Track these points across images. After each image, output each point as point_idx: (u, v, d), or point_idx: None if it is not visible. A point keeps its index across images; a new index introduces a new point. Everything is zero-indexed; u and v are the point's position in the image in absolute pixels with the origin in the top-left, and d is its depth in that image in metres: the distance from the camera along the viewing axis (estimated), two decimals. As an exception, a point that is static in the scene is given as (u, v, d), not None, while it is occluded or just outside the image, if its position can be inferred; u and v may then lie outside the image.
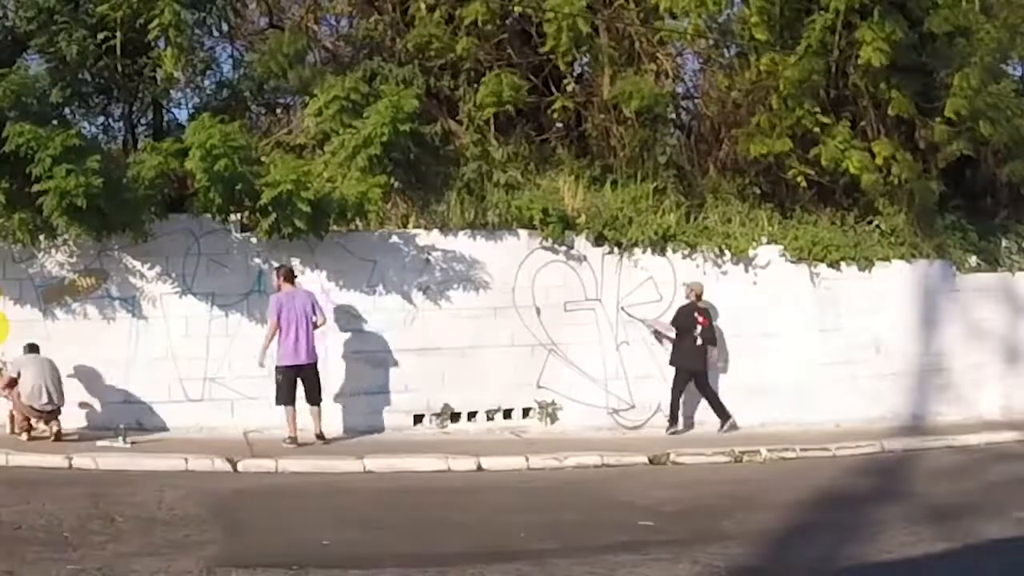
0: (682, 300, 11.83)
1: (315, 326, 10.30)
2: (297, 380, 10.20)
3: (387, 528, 7.19)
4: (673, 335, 11.74)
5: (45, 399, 9.66)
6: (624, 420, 11.78)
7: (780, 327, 12.17)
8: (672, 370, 11.68)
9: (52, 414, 9.76)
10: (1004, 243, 13.90)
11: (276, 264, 10.62)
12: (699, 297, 11.75)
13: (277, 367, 10.18)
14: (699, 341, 11.59)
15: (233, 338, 10.75)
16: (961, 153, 12.90)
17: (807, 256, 12.46)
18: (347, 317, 11.03)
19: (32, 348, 9.91)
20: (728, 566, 6.16)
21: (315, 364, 10.33)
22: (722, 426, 11.57)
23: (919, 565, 6.36)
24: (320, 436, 10.28)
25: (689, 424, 11.79)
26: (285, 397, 10.17)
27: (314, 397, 10.33)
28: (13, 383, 9.67)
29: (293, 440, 10.05)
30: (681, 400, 11.63)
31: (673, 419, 11.60)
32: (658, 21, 12.95)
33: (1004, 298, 13.42)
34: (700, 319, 11.64)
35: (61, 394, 9.83)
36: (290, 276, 10.42)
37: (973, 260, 13.50)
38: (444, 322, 11.19)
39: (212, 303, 10.75)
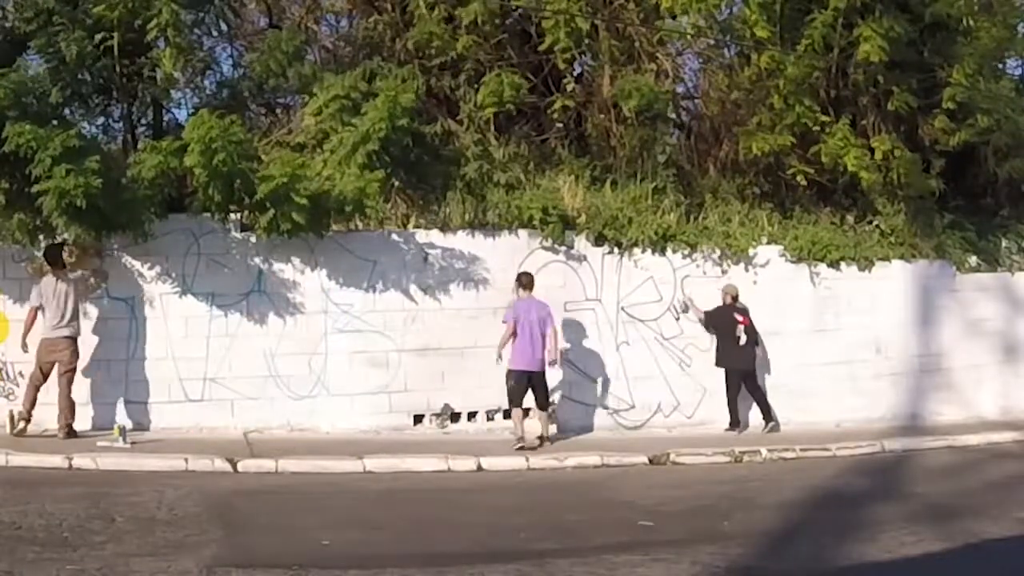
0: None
1: (545, 344, 10.54)
2: (529, 385, 10.51)
3: (387, 528, 7.18)
4: (700, 316, 11.88)
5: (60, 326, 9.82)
6: (624, 420, 11.78)
7: (780, 327, 12.18)
8: (717, 371, 11.84)
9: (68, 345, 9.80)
10: (1004, 243, 13.92)
11: (522, 271, 11.00)
12: (735, 299, 11.84)
13: (509, 370, 10.51)
14: (742, 340, 11.69)
15: (233, 338, 10.74)
16: (962, 148, 12.94)
17: (807, 256, 12.47)
18: (347, 317, 11.03)
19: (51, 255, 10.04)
20: (728, 566, 6.15)
21: (544, 372, 10.63)
22: (765, 427, 11.67)
23: (919, 565, 6.35)
24: (543, 438, 10.56)
25: (745, 424, 11.87)
26: (516, 400, 10.53)
27: (543, 402, 10.66)
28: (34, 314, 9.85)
29: (521, 440, 10.32)
30: (738, 401, 11.74)
31: (734, 422, 11.73)
32: (658, 21, 12.96)
33: (1004, 298, 13.43)
34: (740, 319, 11.74)
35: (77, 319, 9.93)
36: (529, 283, 10.75)
37: (973, 260, 13.53)
38: (444, 322, 11.19)
39: (212, 303, 10.74)
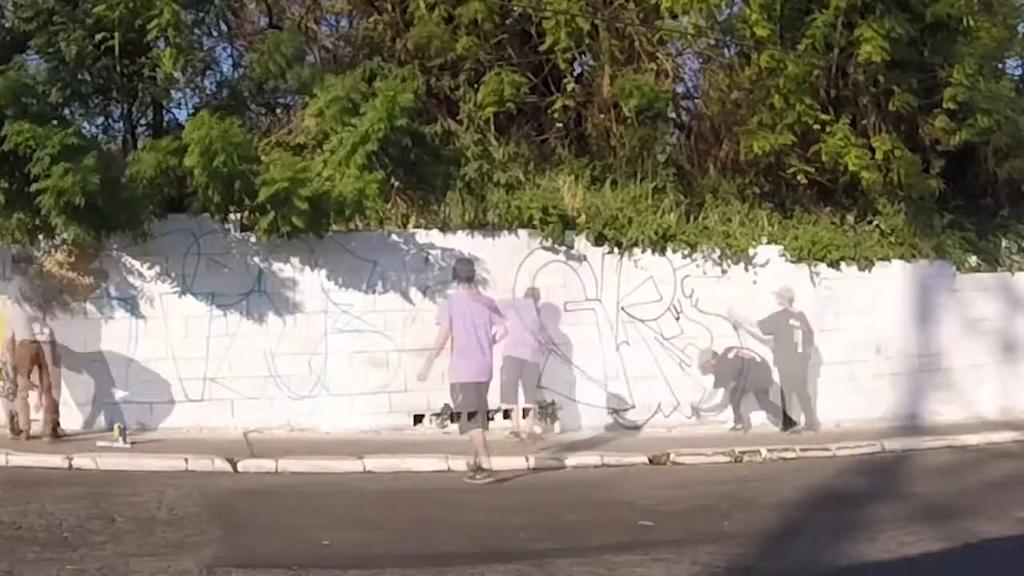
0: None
1: (493, 339, 8.97)
2: (478, 397, 8.83)
3: (387, 528, 7.18)
4: (753, 327, 11.93)
5: (37, 328, 9.70)
6: (624, 420, 11.79)
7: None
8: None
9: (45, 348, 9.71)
10: (1004, 243, 13.93)
11: (459, 258, 9.73)
12: (791, 303, 11.89)
13: (453, 384, 8.78)
14: (800, 348, 11.77)
15: (233, 338, 10.75)
16: (962, 148, 12.94)
17: (807, 256, 12.49)
18: (347, 317, 11.02)
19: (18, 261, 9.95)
20: (728, 566, 6.15)
21: (489, 383, 9.08)
22: (783, 430, 11.84)
23: (919, 565, 6.35)
24: (478, 467, 8.69)
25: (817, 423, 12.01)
26: (472, 421, 8.74)
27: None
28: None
29: (480, 469, 8.69)
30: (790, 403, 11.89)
31: (787, 422, 11.85)
32: (658, 20, 12.96)
33: (1004, 298, 13.44)
34: (797, 325, 11.83)
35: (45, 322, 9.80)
36: (467, 274, 9.07)
37: (973, 260, 13.55)
38: (444, 322, 11.18)
39: (212, 303, 10.75)
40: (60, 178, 9.17)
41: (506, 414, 11.31)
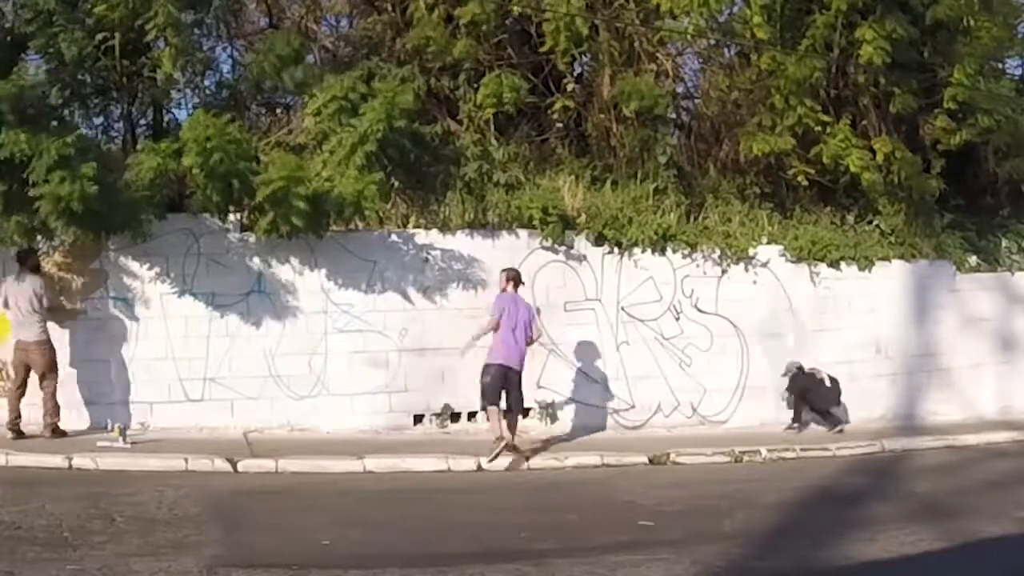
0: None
1: (529, 341, 10.22)
2: (504, 384, 9.97)
3: (387, 528, 7.19)
4: None
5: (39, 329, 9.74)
6: (624, 420, 11.79)
7: (780, 327, 12.18)
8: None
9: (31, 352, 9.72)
10: (1004, 243, 13.92)
11: (507, 270, 10.50)
12: None
13: (486, 365, 9.99)
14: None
15: (233, 338, 10.75)
16: (962, 148, 12.94)
17: (807, 256, 12.48)
18: (347, 317, 11.03)
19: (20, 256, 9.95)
20: (727, 566, 6.16)
21: (521, 372, 10.15)
22: (831, 428, 11.82)
23: (919, 564, 6.36)
24: (513, 447, 9.91)
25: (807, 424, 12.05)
26: (491, 397, 9.95)
27: (516, 405, 10.13)
28: None
29: (500, 440, 9.85)
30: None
31: (795, 419, 11.90)
32: (658, 21, 12.95)
33: (1003, 298, 13.44)
34: None
35: (40, 318, 9.77)
36: (517, 280, 10.41)
37: (973, 260, 13.54)
38: (444, 322, 11.19)
39: (212, 303, 10.74)
40: (57, 185, 9.14)
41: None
